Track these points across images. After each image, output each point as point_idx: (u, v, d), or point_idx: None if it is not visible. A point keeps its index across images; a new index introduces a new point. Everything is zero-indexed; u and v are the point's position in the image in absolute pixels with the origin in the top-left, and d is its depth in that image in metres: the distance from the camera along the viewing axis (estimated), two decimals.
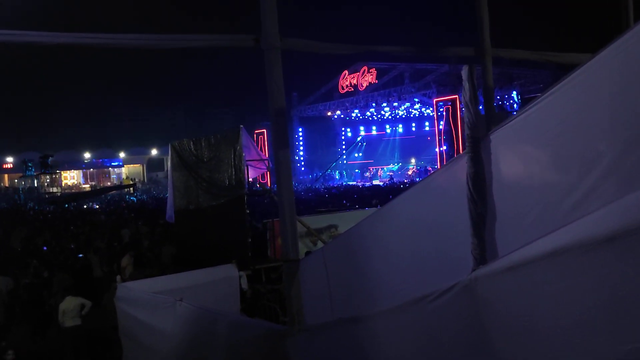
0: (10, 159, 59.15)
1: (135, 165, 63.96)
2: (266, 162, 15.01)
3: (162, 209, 18.36)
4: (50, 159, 48.48)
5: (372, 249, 4.08)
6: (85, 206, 33.38)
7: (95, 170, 62.78)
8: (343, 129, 50.68)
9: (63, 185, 55.47)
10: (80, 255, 13.34)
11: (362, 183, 41.12)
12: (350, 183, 42.11)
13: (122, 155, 63.01)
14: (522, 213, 3.00)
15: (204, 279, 7.61)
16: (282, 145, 4.30)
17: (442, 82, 35.00)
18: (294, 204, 4.31)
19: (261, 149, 22.85)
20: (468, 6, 5.53)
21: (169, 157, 15.52)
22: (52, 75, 61.38)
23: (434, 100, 34.35)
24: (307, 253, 8.59)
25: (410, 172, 42.24)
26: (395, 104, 40.44)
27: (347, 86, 41.26)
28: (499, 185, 3.13)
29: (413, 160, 46.04)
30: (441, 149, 33.18)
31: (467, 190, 3.09)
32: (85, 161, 62.13)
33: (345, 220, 11.82)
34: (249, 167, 13.12)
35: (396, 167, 45.44)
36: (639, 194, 1.78)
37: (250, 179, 13.57)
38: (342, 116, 47.05)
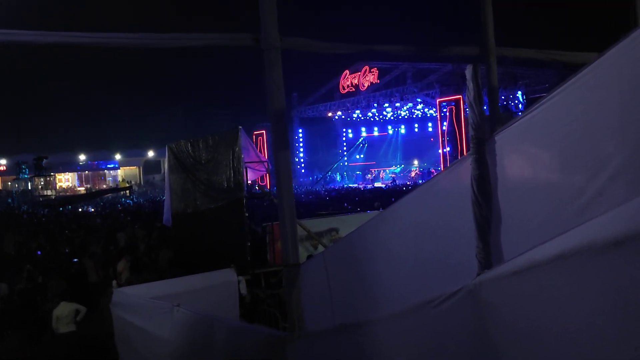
0: (3, 161, 59.22)
1: (131, 167, 64.00)
2: (265, 164, 15.00)
3: (159, 212, 18.34)
4: (45, 161, 48.50)
5: (374, 253, 4.08)
6: (80, 209, 33.39)
7: (90, 172, 62.82)
8: (344, 130, 50.65)
9: (57, 188, 55.50)
10: (75, 259, 13.34)
11: (364, 185, 41.08)
12: (352, 185, 42.06)
13: (118, 157, 63.05)
14: (528, 216, 2.99)
15: (202, 284, 7.61)
16: (281, 146, 4.30)
17: (445, 82, 35.00)
18: (294, 207, 4.32)
19: (260, 151, 22.83)
20: (471, 5, 5.54)
21: (166, 159, 15.53)
22: (47, 75, 61.59)
23: (437, 100, 34.35)
24: (310, 257, 8.59)
25: (413, 174, 42.19)
26: (398, 104, 40.42)
27: (348, 86, 41.24)
28: (504, 187, 3.13)
29: (416, 162, 46.00)
30: (444, 150, 33.16)
31: (471, 192, 3.09)
32: (81, 163, 62.18)
33: (347, 224, 11.81)
34: (248, 169, 13.12)
35: (398, 169, 45.40)
36: None
37: (249, 181, 13.57)
38: (343, 117, 47.06)
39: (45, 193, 47.72)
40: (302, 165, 48.85)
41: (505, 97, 32.91)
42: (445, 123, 32.85)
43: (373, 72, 39.18)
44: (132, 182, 55.19)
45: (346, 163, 49.61)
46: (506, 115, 25.24)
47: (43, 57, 47.77)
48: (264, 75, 4.20)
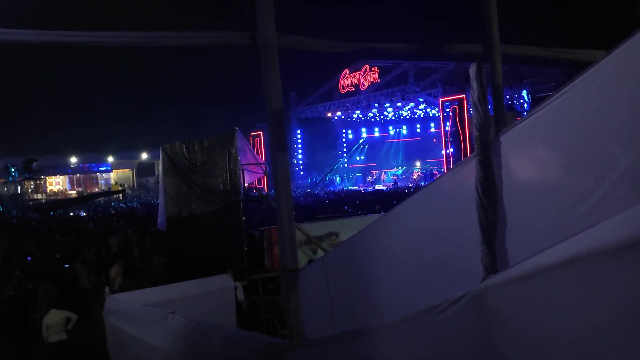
0: None
1: (124, 170, 63.95)
2: (263, 166, 15.01)
3: (153, 216, 18.36)
4: (35, 163, 48.39)
5: (376, 257, 4.08)
6: (71, 213, 33.33)
7: (82, 175, 62.74)
8: (344, 130, 50.65)
9: (48, 191, 55.43)
10: (67, 265, 13.32)
11: (364, 188, 41.12)
12: (352, 188, 42.10)
13: (110, 159, 62.99)
14: (534, 219, 2.99)
15: (198, 290, 7.60)
16: (279, 148, 4.30)
17: (448, 81, 35.05)
18: (293, 210, 4.32)
19: (257, 152, 22.83)
20: (475, 1, 5.54)
21: (160, 162, 15.51)
22: (36, 75, 61.50)
23: (440, 100, 34.34)
24: (310, 262, 8.59)
25: (415, 176, 42.25)
26: (399, 104, 40.46)
27: (347, 86, 41.27)
28: (509, 190, 3.13)
29: (418, 164, 46.06)
30: (448, 151, 33.15)
31: (476, 195, 3.09)
32: (72, 166, 62.09)
33: (347, 227, 11.83)
34: (245, 171, 13.12)
35: (400, 170, 45.44)
36: None
37: (246, 184, 13.57)
38: (342, 117, 47.08)
39: (35, 197, 47.66)
40: (301, 167, 48.83)
41: (510, 97, 32.98)
42: (448, 123, 32.83)
43: (374, 71, 39.22)
44: (125, 185, 55.19)
45: (346, 165, 49.61)
46: (511, 115, 25.27)
47: (33, 57, 47.77)
48: (261, 74, 4.20)
